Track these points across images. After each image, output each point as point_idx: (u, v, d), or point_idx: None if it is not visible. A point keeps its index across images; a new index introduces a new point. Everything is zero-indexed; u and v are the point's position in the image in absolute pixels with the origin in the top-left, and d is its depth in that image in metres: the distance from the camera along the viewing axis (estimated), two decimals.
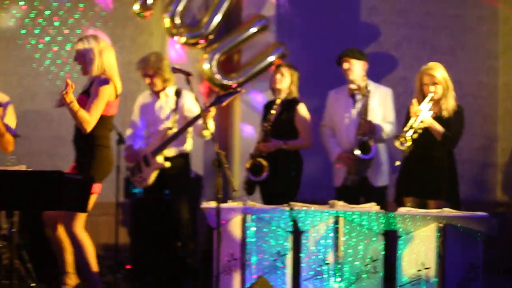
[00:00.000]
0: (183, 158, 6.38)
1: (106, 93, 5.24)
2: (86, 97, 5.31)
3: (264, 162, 6.35)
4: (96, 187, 5.22)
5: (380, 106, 6.43)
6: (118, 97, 5.41)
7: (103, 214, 7.71)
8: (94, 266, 5.39)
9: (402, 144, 5.70)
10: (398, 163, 6.02)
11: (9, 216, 4.57)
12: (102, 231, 7.95)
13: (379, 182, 6.42)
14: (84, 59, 5.36)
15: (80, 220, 5.34)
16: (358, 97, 6.40)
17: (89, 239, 5.43)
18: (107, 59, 5.34)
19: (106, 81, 5.28)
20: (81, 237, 5.34)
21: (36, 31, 7.99)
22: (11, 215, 4.56)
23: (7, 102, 5.41)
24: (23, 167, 4.95)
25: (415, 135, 5.74)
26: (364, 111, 6.26)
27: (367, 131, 6.25)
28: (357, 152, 6.21)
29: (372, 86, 6.42)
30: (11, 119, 5.40)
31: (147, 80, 6.39)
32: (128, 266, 7.09)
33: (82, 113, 5.15)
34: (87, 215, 5.41)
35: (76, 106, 5.07)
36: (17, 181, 4.46)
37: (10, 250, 4.66)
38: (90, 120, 5.20)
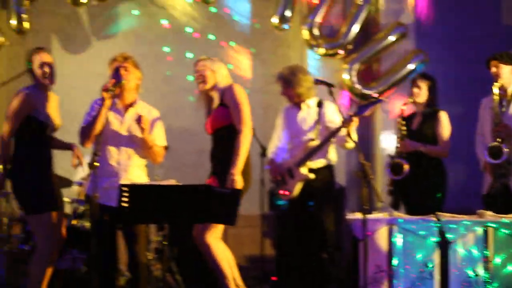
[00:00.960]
0: (327, 169, 6.35)
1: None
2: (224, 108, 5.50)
3: (404, 163, 6.30)
4: None
5: None
6: None
7: (248, 226, 7.81)
8: (229, 276, 5.46)
9: None
10: None
11: (160, 229, 4.69)
12: (247, 243, 8.05)
13: None
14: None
15: (215, 230, 5.42)
16: (504, 103, 6.20)
17: (227, 250, 5.50)
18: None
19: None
20: (215, 247, 5.42)
21: (175, 49, 8.23)
22: (162, 228, 4.67)
23: (158, 117, 5.59)
24: (172, 181, 5.08)
25: None
26: (496, 116, 6.06)
27: (504, 136, 6.03)
28: (487, 157, 6.03)
29: None
30: (159, 133, 5.57)
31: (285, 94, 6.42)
32: (274, 278, 7.14)
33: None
34: (223, 227, 5.51)
35: None
36: (167, 195, 4.58)
37: (162, 262, 4.77)
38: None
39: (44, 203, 5.48)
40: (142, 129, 5.30)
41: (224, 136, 5.55)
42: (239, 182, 5.33)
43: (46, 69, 5.57)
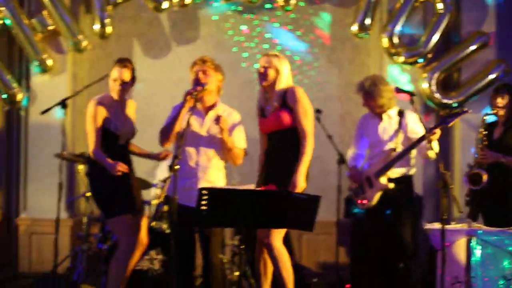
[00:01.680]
0: (406, 179, 6.30)
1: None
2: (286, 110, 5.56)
3: (483, 174, 6.22)
4: None
5: None
6: None
7: (323, 233, 7.82)
8: (289, 281, 5.47)
9: None
10: None
11: (238, 233, 4.72)
12: (322, 250, 8.06)
13: None
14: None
15: (280, 233, 5.44)
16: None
17: (287, 254, 5.51)
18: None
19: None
20: (280, 250, 5.44)
21: (254, 55, 8.29)
22: (240, 232, 4.71)
23: (239, 121, 5.63)
24: (251, 186, 5.11)
25: None
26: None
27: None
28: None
29: None
30: (240, 136, 5.62)
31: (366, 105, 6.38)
32: (348, 286, 7.11)
33: None
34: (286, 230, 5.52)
35: None
36: (246, 200, 4.61)
37: (237, 266, 4.81)
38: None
39: (118, 207, 5.61)
40: (221, 129, 5.36)
41: (284, 139, 5.56)
42: (301, 189, 5.33)
43: (117, 86, 5.70)
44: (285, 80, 5.64)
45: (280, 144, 5.57)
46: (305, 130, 5.50)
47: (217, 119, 5.37)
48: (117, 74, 5.69)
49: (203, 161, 5.44)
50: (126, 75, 5.72)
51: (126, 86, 5.73)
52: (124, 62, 5.75)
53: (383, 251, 6.36)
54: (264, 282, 5.63)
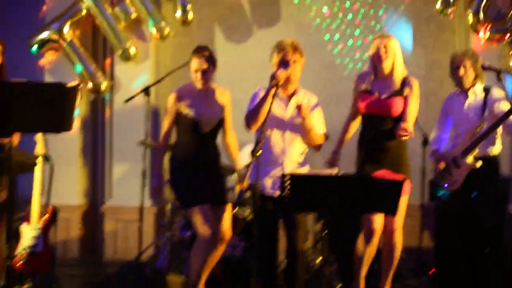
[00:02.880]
0: (492, 159, 6.12)
1: None
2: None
3: None
4: (406, 188, 5.28)
5: None
6: None
7: (407, 216, 7.67)
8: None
9: None
10: None
11: (321, 218, 4.68)
12: (405, 234, 7.89)
13: None
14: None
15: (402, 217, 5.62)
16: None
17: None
18: None
19: None
20: (401, 235, 5.60)
21: (336, 37, 8.19)
22: (323, 217, 4.66)
23: (317, 103, 5.58)
24: (334, 170, 5.06)
25: None
26: None
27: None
28: None
29: None
30: (318, 120, 5.56)
31: (461, 71, 6.16)
32: (432, 270, 6.98)
33: None
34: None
35: None
36: (329, 185, 4.56)
37: (320, 252, 4.76)
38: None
39: (191, 198, 5.61)
40: (303, 118, 5.31)
41: (393, 126, 5.48)
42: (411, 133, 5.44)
43: (198, 75, 5.67)
44: (401, 65, 5.62)
45: (386, 130, 5.52)
46: (406, 120, 5.53)
47: (299, 108, 5.31)
48: (196, 64, 5.68)
49: (287, 148, 5.40)
50: (203, 64, 5.69)
51: (207, 75, 5.71)
52: (201, 51, 5.72)
53: (469, 235, 6.20)
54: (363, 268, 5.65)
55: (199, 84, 5.67)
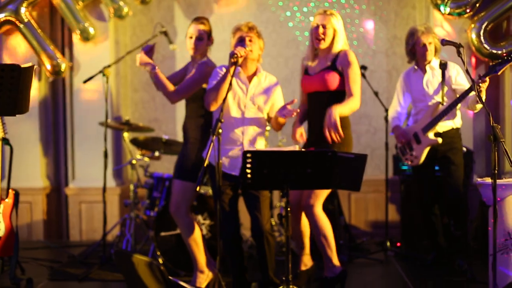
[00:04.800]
0: (454, 133, 6.16)
1: None
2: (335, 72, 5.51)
3: None
4: None
5: None
6: None
7: (373, 192, 7.75)
8: (329, 247, 5.44)
9: None
10: None
11: (284, 196, 4.66)
12: (371, 208, 7.98)
13: None
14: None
15: (321, 197, 5.39)
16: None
17: (328, 220, 5.47)
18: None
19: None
20: (320, 216, 5.40)
21: (298, 14, 8.16)
22: (287, 195, 4.65)
23: (276, 83, 5.54)
24: (296, 147, 5.05)
25: None
26: None
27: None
28: None
29: None
30: (279, 100, 5.54)
31: (430, 47, 6.15)
32: (398, 244, 7.05)
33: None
34: (327, 195, 5.49)
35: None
36: (291, 161, 4.55)
37: (286, 229, 4.75)
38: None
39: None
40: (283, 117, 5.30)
41: (330, 101, 5.44)
42: (335, 120, 5.22)
43: (190, 42, 5.65)
44: (342, 42, 5.55)
45: (325, 105, 5.45)
46: (353, 93, 5.42)
47: (283, 111, 5.26)
48: (192, 30, 5.66)
49: (248, 129, 5.38)
50: (194, 30, 5.66)
51: (198, 43, 5.69)
52: (199, 19, 5.71)
53: (433, 207, 6.26)
54: (303, 238, 5.64)
55: (190, 51, 5.66)
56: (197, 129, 5.65)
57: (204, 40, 5.67)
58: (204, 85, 5.56)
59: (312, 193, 5.34)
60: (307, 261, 5.68)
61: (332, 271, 5.45)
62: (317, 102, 5.55)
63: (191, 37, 5.65)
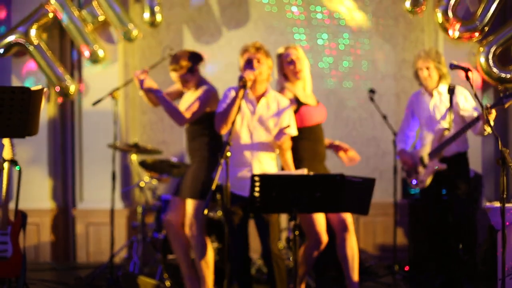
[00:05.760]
0: (461, 158, 6.14)
1: None
2: None
3: None
4: None
5: None
6: None
7: (381, 215, 7.72)
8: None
9: None
10: None
11: (292, 219, 4.65)
12: (379, 232, 7.95)
13: None
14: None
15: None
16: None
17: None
18: None
19: None
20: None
21: (304, 37, 8.19)
22: (295, 218, 4.63)
23: (288, 106, 5.54)
24: (304, 171, 5.04)
25: None
26: None
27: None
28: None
29: None
30: (290, 122, 5.54)
31: (425, 73, 6.17)
32: (406, 268, 7.00)
33: None
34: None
35: None
36: (299, 185, 4.55)
37: (294, 252, 4.74)
38: None
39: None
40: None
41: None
42: None
43: (178, 85, 5.89)
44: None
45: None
46: None
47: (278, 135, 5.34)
48: (173, 77, 5.85)
49: (257, 151, 5.37)
50: (174, 75, 5.83)
51: (187, 83, 5.82)
52: (172, 64, 5.84)
53: (442, 231, 6.23)
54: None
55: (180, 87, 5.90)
56: (204, 148, 5.69)
57: (188, 77, 5.78)
58: (207, 109, 5.61)
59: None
60: None
61: None
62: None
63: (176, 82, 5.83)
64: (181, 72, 5.77)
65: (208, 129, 5.64)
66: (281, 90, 5.60)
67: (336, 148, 5.89)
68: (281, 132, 5.28)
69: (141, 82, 5.74)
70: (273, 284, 5.32)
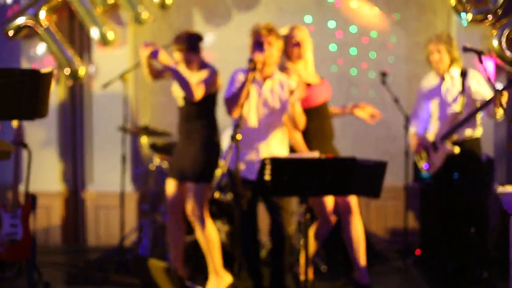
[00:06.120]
0: (473, 142, 6.09)
1: None
2: None
3: None
4: None
5: None
6: None
7: (392, 198, 7.68)
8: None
9: None
10: None
11: (303, 201, 4.63)
12: (390, 215, 7.92)
13: None
14: None
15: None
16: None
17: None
18: None
19: None
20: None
21: (317, 19, 8.12)
22: (306, 200, 4.61)
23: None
24: (315, 153, 5.02)
25: None
26: None
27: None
28: None
29: None
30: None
31: (436, 57, 6.14)
32: (418, 252, 6.97)
33: None
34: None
35: None
36: (310, 168, 4.52)
37: (304, 235, 4.72)
38: None
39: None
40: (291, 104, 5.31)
41: None
42: None
43: (181, 66, 5.77)
44: None
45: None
46: None
47: (291, 92, 5.30)
48: (177, 57, 5.78)
49: (264, 133, 5.34)
50: (178, 55, 5.77)
51: (190, 64, 5.76)
52: (175, 43, 5.81)
53: (453, 216, 6.19)
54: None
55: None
56: (203, 130, 5.64)
57: (191, 57, 5.72)
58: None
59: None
60: None
61: None
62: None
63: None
64: (185, 51, 5.71)
65: (206, 111, 5.62)
66: (283, 70, 5.56)
67: (352, 110, 5.88)
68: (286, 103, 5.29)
69: (155, 52, 5.69)
70: (279, 265, 5.31)
